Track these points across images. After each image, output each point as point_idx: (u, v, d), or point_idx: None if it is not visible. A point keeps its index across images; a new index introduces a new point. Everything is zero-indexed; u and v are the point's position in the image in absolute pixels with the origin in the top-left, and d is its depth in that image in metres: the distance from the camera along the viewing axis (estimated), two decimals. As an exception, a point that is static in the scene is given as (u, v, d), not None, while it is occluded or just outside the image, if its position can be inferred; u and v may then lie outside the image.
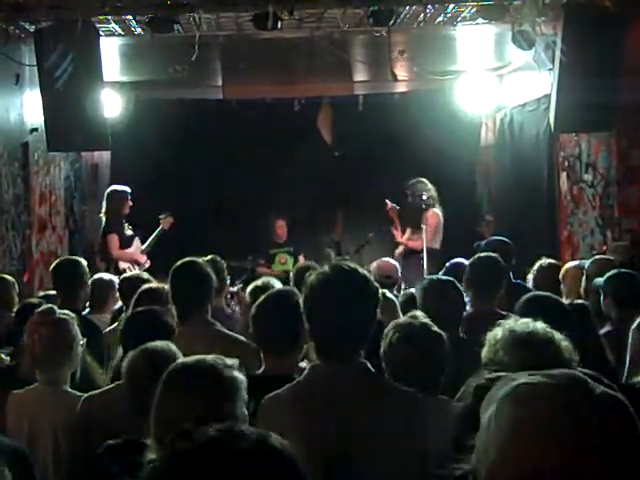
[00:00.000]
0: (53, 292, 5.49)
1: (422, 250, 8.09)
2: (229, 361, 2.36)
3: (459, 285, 4.34)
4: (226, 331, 4.15)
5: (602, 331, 4.37)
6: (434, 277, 4.80)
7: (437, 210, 8.75)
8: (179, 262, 4.32)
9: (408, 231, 8.81)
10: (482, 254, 4.95)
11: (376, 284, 2.73)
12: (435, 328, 3.25)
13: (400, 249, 8.83)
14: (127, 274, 5.79)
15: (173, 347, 2.98)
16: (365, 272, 2.72)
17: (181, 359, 2.60)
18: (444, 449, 2.40)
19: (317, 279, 2.67)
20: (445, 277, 4.75)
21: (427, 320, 3.31)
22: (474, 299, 4.65)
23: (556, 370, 1.21)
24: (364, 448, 2.51)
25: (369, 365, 2.65)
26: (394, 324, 3.27)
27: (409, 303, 4.65)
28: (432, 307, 3.94)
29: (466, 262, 6.31)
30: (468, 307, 4.63)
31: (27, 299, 5.30)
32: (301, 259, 9.36)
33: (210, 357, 2.36)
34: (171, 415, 2.22)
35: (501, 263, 4.82)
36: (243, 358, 3.22)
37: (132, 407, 2.83)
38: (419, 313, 3.40)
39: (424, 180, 8.74)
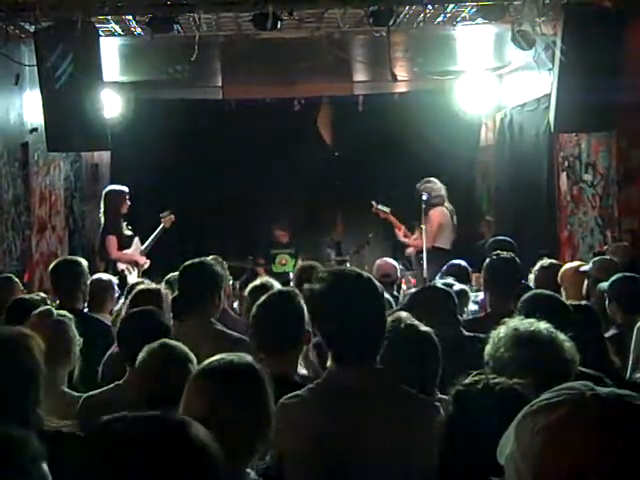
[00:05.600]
0: (43, 294, 5.47)
1: (424, 250, 8.06)
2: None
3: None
4: (227, 330, 4.14)
5: (607, 334, 4.36)
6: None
7: (441, 209, 8.70)
8: (187, 262, 4.32)
9: (418, 230, 8.80)
10: (498, 255, 4.91)
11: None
12: (422, 328, 3.13)
13: (411, 248, 8.81)
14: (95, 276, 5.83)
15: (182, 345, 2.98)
16: (370, 276, 2.74)
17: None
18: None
19: (327, 286, 2.66)
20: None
21: (412, 321, 3.16)
22: (492, 299, 4.65)
23: (562, 385, 1.25)
24: (380, 452, 2.51)
25: (386, 370, 2.65)
26: None
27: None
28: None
29: (464, 263, 6.32)
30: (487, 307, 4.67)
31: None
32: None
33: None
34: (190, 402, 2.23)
35: (517, 263, 4.81)
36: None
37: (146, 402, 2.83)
38: (403, 314, 3.23)
39: (432, 179, 8.70)
